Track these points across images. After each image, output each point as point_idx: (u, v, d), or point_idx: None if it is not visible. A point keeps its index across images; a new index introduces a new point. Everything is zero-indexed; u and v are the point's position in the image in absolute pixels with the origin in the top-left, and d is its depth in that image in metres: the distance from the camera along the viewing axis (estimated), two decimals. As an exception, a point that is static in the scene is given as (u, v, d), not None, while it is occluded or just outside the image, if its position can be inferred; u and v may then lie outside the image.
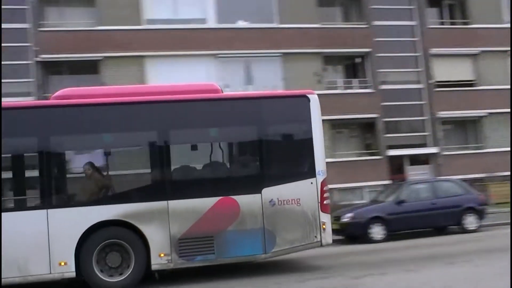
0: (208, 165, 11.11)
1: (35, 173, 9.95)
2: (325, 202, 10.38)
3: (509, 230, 14.07)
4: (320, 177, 10.38)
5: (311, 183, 10.35)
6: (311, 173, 10.39)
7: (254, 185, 10.29)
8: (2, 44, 25.07)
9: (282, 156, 11.09)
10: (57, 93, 10.72)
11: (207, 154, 11.07)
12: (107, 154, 10.76)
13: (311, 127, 10.53)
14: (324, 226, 10.28)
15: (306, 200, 10.27)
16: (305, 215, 10.23)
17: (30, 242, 9.01)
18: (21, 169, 10.24)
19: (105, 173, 10.50)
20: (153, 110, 10.38)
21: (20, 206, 9.98)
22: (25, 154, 10.20)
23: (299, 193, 10.28)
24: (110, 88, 12.36)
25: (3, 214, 9.12)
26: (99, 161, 10.56)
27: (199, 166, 11.13)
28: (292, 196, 10.25)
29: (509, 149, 25.66)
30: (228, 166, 11.51)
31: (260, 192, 10.17)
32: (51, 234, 9.30)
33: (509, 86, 26.37)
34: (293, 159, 11.03)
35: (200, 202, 10.01)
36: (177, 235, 9.74)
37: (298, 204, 10.25)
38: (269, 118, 10.85)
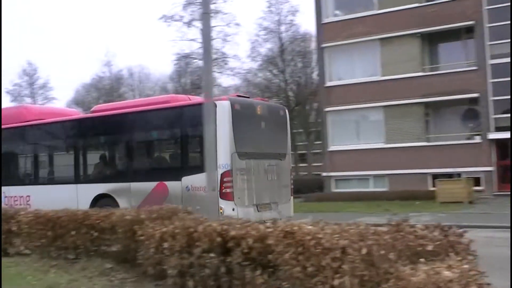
0: (151, 159, 15.56)
1: (71, 163, 16.00)
2: (224, 190, 12.33)
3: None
4: (221, 170, 12.19)
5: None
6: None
7: (177, 174, 13.36)
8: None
9: (195, 152, 13.98)
10: (93, 109, 17.53)
11: (151, 151, 15.78)
12: (104, 151, 16.39)
13: (216, 130, 11.63)
14: (221, 211, 11.83)
15: None
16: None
17: (59, 202, 11.59)
18: (64, 160, 16.85)
19: (105, 164, 15.92)
20: (116, 122, 15.41)
21: (61, 181, 16.35)
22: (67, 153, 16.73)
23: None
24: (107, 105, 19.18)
25: (60, 185, 16.02)
26: (106, 159, 16.10)
27: (146, 160, 15.51)
28: (200, 184, 12.28)
29: None
30: (163, 159, 15.55)
31: (180, 180, 13.21)
32: (79, 199, 14.58)
33: None
34: (202, 155, 12.46)
35: (147, 184, 13.91)
36: (134, 206, 12.04)
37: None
38: (187, 122, 14.03)
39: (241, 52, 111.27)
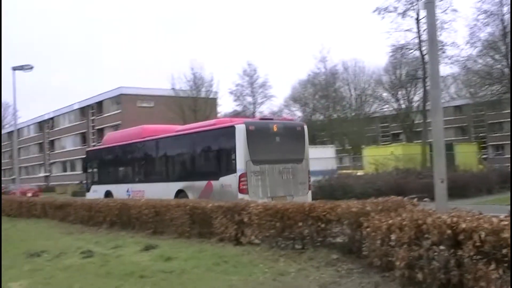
0: (204, 164, 20.47)
1: (163, 167, 22.68)
2: (241, 187, 17.24)
3: None
4: (239, 172, 17.37)
5: (235, 176, 17.47)
6: (235, 170, 17.53)
7: (217, 176, 18.44)
8: None
9: (226, 161, 18.65)
10: (177, 129, 23.32)
11: (204, 159, 20.69)
12: (180, 159, 21.90)
13: (235, 145, 17.71)
14: None
15: (233, 185, 17.47)
16: (233, 194, 17.07)
17: (159, 195, 18.60)
18: (159, 166, 23.09)
19: (181, 169, 21.71)
20: (185, 140, 21.48)
21: (159, 180, 22.03)
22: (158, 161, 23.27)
23: (230, 181, 17.69)
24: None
25: (154, 183, 22.03)
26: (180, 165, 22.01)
27: (202, 165, 20.55)
28: (228, 183, 17.77)
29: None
30: (210, 165, 19.97)
31: (219, 180, 18.26)
32: (169, 193, 19.57)
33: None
34: (229, 163, 18.19)
35: (202, 183, 18.94)
36: (196, 197, 18.33)
37: (230, 187, 17.60)
38: (220, 140, 19.28)
39: (459, 38, 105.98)
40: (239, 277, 8.28)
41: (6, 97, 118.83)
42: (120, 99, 71.80)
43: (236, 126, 17.94)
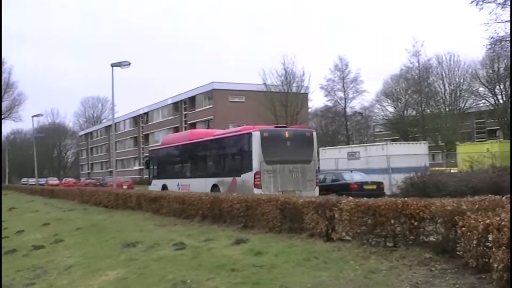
0: (230, 164, 24.97)
1: (203, 166, 27.83)
2: (256, 182, 21.43)
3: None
4: (254, 171, 21.65)
5: (251, 173, 21.71)
6: (251, 169, 21.80)
7: (239, 173, 22.78)
8: None
9: (245, 161, 22.69)
10: (215, 133, 28.84)
11: (230, 159, 25.36)
12: (214, 159, 26.91)
13: (251, 149, 22.04)
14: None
15: (250, 181, 21.71)
16: (250, 188, 21.11)
17: (200, 189, 22.93)
18: (200, 164, 28.37)
19: (215, 167, 26.45)
20: (217, 143, 26.44)
21: (200, 176, 26.77)
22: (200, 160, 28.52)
23: (248, 177, 21.92)
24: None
25: (196, 179, 27.08)
26: (214, 164, 26.94)
27: (229, 164, 25.12)
28: (247, 179, 22.02)
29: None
30: (235, 164, 24.43)
31: (240, 176, 22.59)
32: (206, 187, 24.41)
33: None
34: (247, 163, 22.28)
35: (229, 179, 23.40)
36: (224, 191, 22.14)
37: (248, 183, 21.73)
38: (241, 144, 23.69)
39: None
40: (329, 273, 8.24)
41: (105, 92, 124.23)
42: (212, 94, 73.01)
43: (252, 132, 22.36)
